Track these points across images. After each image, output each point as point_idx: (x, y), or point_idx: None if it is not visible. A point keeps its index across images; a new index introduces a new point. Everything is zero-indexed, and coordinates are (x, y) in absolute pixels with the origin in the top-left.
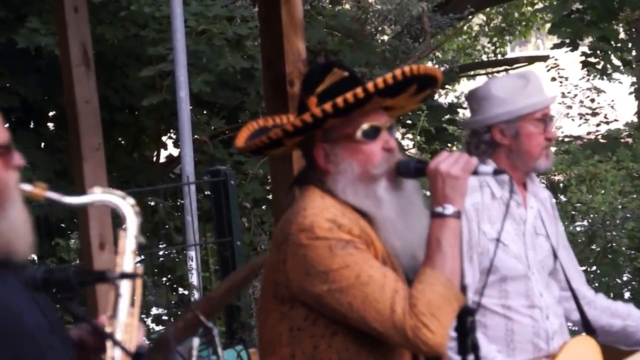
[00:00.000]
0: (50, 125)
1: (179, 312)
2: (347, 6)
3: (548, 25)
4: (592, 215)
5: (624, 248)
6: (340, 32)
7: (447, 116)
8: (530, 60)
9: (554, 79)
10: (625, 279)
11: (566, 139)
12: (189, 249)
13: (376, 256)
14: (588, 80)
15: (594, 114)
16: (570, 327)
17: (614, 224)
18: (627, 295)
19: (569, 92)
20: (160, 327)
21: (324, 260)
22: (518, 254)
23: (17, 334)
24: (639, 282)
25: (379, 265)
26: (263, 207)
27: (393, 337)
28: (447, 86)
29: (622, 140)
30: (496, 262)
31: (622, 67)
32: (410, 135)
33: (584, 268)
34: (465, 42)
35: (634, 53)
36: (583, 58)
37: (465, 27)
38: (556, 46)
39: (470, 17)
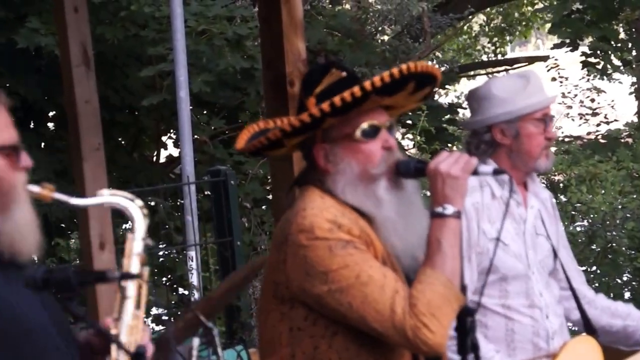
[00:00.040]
0: (50, 125)
1: (179, 312)
2: (347, 6)
3: (548, 25)
4: (592, 216)
5: (624, 248)
6: (340, 32)
7: (447, 116)
8: (531, 60)
9: (554, 79)
10: (625, 279)
11: (566, 139)
12: (189, 249)
13: (376, 256)
14: (588, 80)
15: (594, 114)
16: (570, 327)
17: (614, 224)
18: (627, 295)
19: (569, 92)
20: (160, 327)
21: (324, 261)
22: (518, 253)
23: (20, 333)
24: (639, 282)
25: (379, 266)
26: (263, 207)
27: (393, 337)
28: (447, 86)
29: (622, 140)
30: (496, 262)
31: (622, 67)
32: (410, 135)
33: (584, 268)
34: (466, 42)
35: (634, 53)
36: (583, 58)
37: (465, 27)
38: (556, 46)
39: (470, 17)
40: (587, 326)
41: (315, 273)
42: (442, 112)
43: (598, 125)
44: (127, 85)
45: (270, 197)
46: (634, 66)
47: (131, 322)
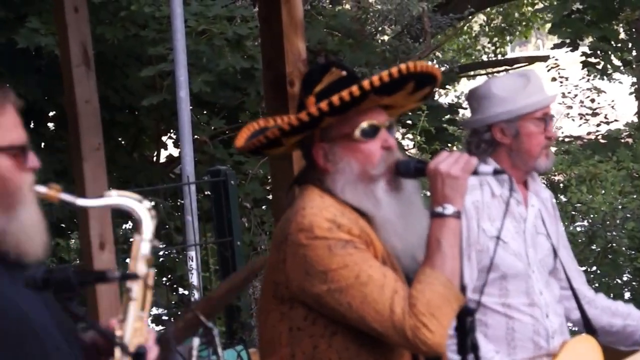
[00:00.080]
0: (50, 125)
1: (179, 312)
2: (347, 6)
3: (548, 25)
4: (592, 216)
5: (624, 248)
6: (340, 32)
7: (447, 116)
8: (531, 60)
9: (554, 79)
10: (625, 279)
11: (566, 139)
12: (189, 249)
13: (376, 256)
14: (588, 80)
15: (594, 114)
16: (570, 327)
17: (614, 224)
18: (627, 295)
19: (569, 92)
20: (160, 327)
21: (323, 260)
22: (518, 251)
23: (23, 333)
24: (639, 282)
25: (379, 265)
26: (263, 207)
27: (392, 337)
28: (447, 86)
29: (622, 141)
30: (496, 260)
31: (622, 67)
32: (410, 136)
33: (584, 268)
34: (466, 42)
35: (634, 53)
36: (583, 58)
37: (465, 27)
38: (556, 46)
39: (470, 17)
40: (587, 326)
41: (315, 272)
42: (442, 112)
43: (598, 125)
44: (127, 85)
45: (270, 197)
46: (634, 66)
47: (135, 324)
